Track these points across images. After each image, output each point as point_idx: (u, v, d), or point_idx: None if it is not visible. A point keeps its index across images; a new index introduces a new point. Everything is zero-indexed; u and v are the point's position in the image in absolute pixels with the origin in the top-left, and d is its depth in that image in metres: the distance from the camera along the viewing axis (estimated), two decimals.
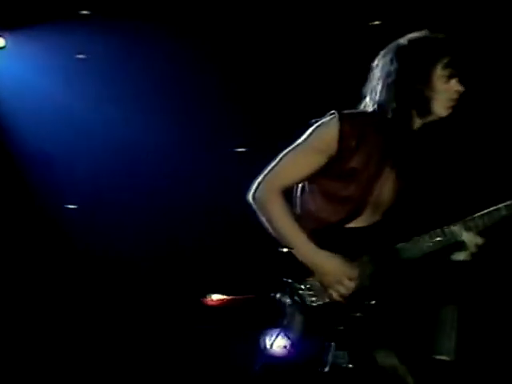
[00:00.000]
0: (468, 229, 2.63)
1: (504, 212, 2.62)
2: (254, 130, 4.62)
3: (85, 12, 4.36)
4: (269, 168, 2.65)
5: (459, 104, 2.66)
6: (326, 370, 2.58)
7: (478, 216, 2.64)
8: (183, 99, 4.65)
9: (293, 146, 2.64)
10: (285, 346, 4.29)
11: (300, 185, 2.71)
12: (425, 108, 2.62)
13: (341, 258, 2.60)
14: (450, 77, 2.61)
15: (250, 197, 2.67)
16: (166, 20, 4.48)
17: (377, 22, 4.15)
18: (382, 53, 2.71)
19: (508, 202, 2.64)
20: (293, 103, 4.46)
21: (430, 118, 2.64)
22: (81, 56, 4.55)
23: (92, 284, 4.77)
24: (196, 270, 4.70)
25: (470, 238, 2.62)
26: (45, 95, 4.67)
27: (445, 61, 2.61)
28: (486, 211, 2.64)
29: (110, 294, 4.78)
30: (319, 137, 2.62)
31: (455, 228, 2.64)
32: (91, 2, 4.43)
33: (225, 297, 4.58)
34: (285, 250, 2.62)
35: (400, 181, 2.68)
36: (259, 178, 2.65)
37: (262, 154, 4.08)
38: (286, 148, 2.70)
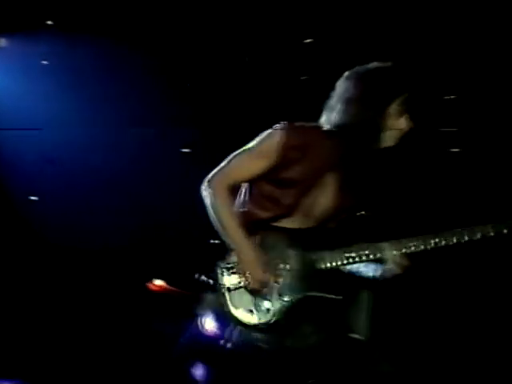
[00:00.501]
0: (394, 249, 2.71)
1: (432, 242, 2.70)
2: (199, 132, 4.86)
3: (49, 22, 4.65)
4: (219, 167, 2.78)
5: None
6: (243, 348, 2.78)
7: (407, 240, 2.71)
8: (136, 103, 4.86)
9: (242, 148, 2.77)
10: (215, 327, 4.76)
11: (243, 184, 2.84)
12: (374, 137, 2.70)
13: (261, 252, 2.74)
14: (402, 113, 2.70)
15: (201, 190, 2.81)
16: (120, 29, 4.69)
17: (309, 40, 4.37)
18: (345, 74, 2.77)
19: (438, 235, 2.70)
20: (233, 109, 4.72)
21: (377, 146, 2.72)
22: (45, 62, 4.79)
23: (48, 269, 5.00)
24: (144, 258, 4.98)
25: (394, 258, 2.72)
26: (15, 96, 4.90)
27: (402, 98, 2.69)
28: (416, 237, 2.71)
29: (68, 278, 4.99)
30: (265, 144, 2.72)
31: (382, 245, 2.73)
32: (55, 14, 4.66)
33: (166, 285, 4.86)
34: (215, 241, 2.81)
35: (341, 195, 2.79)
36: (210, 176, 2.79)
37: (205, 154, 4.51)
38: (228, 149, 2.82)
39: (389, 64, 2.74)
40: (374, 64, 2.75)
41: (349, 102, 2.69)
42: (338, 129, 2.70)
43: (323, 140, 2.71)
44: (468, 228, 2.69)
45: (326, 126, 2.74)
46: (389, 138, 2.73)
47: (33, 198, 4.94)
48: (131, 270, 4.98)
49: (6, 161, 5.01)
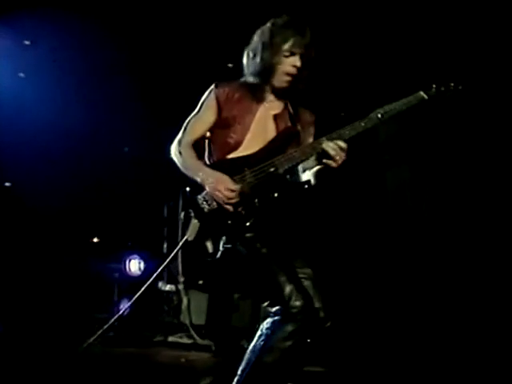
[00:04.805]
0: (330, 139, 3.13)
1: (363, 124, 3.13)
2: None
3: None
4: (181, 132, 3.36)
5: None
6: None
7: (341, 129, 3.14)
8: (91, 78, 5.70)
9: (192, 114, 3.37)
10: (139, 268, 5.76)
11: (205, 140, 3.36)
12: (268, 76, 3.25)
13: (222, 173, 3.18)
14: (291, 54, 3.20)
15: (171, 151, 3.36)
16: (95, 17, 5.31)
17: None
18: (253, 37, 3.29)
19: (370, 115, 3.13)
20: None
21: (277, 85, 3.26)
22: (27, 42, 5.47)
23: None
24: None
25: (331, 145, 3.09)
26: None
27: (290, 42, 3.19)
28: (349, 125, 3.15)
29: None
30: (206, 100, 3.34)
31: (320, 140, 3.15)
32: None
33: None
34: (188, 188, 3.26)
35: (276, 123, 3.31)
36: (176, 140, 3.35)
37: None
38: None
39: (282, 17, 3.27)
40: (271, 20, 3.28)
41: (255, 52, 3.27)
42: (247, 75, 3.32)
43: (246, 85, 3.33)
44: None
45: (247, 76, 3.34)
46: (277, 79, 3.25)
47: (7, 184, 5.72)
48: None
49: None
